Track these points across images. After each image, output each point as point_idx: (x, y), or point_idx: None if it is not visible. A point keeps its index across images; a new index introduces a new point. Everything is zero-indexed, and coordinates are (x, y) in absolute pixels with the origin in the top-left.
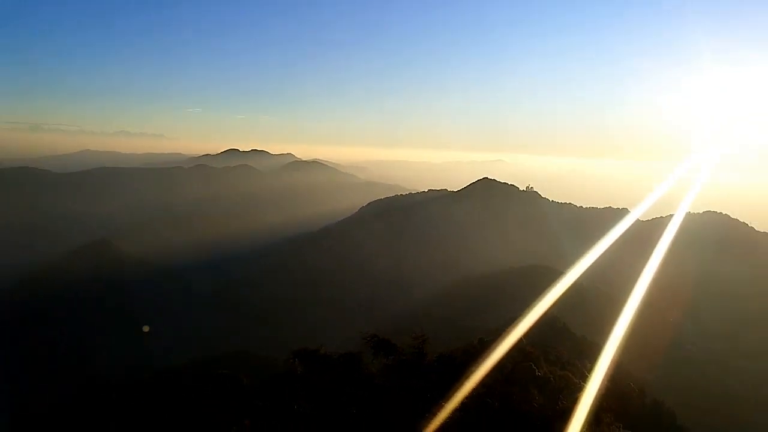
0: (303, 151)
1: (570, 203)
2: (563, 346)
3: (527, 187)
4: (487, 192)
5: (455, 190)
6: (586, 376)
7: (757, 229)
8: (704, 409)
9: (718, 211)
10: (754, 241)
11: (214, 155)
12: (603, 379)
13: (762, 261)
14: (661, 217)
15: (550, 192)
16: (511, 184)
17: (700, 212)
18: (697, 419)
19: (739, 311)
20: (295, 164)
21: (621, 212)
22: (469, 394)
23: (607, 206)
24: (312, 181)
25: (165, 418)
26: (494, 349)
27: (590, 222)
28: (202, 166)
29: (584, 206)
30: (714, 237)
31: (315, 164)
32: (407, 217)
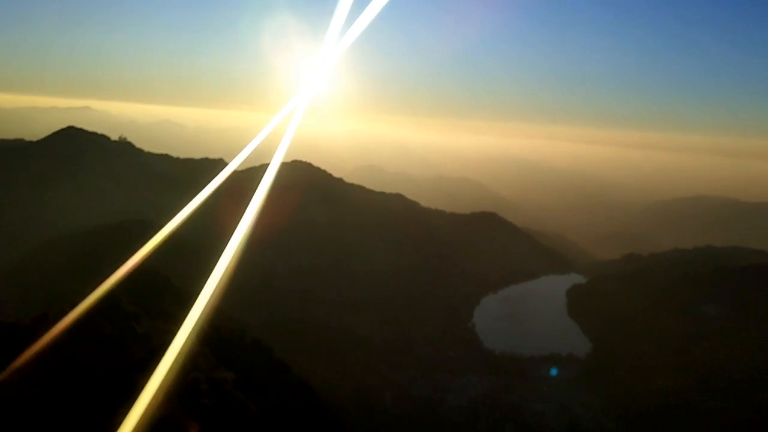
0: None
1: (167, 154)
2: (166, 299)
3: (120, 138)
4: (73, 143)
5: (33, 140)
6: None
7: (334, 175)
8: (297, 341)
9: (305, 160)
10: (332, 186)
11: None
12: (203, 327)
13: (339, 205)
14: (257, 166)
15: (146, 143)
16: (101, 134)
17: (290, 161)
18: (291, 350)
19: (323, 249)
20: None
21: (218, 163)
22: (31, 361)
23: (204, 157)
24: None
25: None
26: (80, 311)
27: (188, 173)
28: None
29: (181, 157)
30: (300, 183)
31: None
32: None
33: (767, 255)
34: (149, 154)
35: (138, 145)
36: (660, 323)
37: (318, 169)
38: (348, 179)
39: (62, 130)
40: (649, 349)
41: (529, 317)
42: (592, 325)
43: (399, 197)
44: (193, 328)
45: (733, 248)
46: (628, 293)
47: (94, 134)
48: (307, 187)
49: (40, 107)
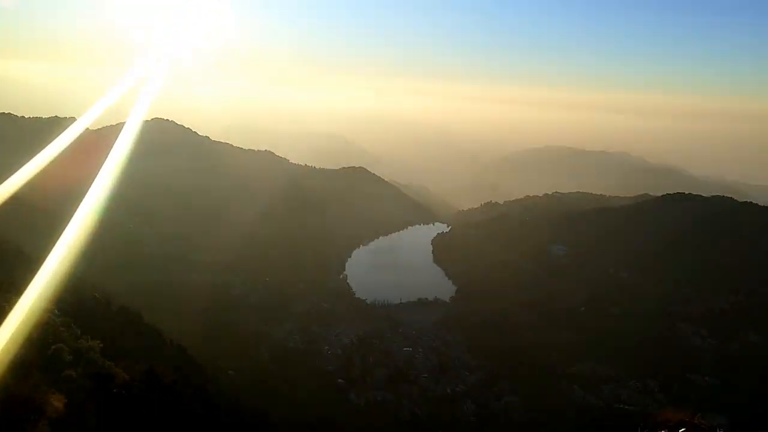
0: None
1: (10, 113)
2: (18, 270)
3: None
4: None
5: None
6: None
7: (200, 133)
8: (169, 304)
9: (165, 118)
10: (198, 144)
11: None
12: (60, 296)
13: (206, 163)
14: (113, 124)
15: None
16: None
17: (150, 119)
18: (162, 314)
19: (191, 209)
20: None
21: (69, 122)
22: None
23: (54, 116)
24: None
25: None
26: None
27: (36, 134)
28: None
29: (27, 116)
30: (163, 142)
31: None
32: None
33: (607, 199)
34: None
35: None
36: (515, 265)
37: (182, 127)
38: (215, 137)
39: None
40: (505, 289)
41: (398, 266)
42: (456, 270)
43: (268, 154)
44: (43, 297)
45: (577, 193)
46: (486, 239)
47: None
48: (170, 145)
49: None
